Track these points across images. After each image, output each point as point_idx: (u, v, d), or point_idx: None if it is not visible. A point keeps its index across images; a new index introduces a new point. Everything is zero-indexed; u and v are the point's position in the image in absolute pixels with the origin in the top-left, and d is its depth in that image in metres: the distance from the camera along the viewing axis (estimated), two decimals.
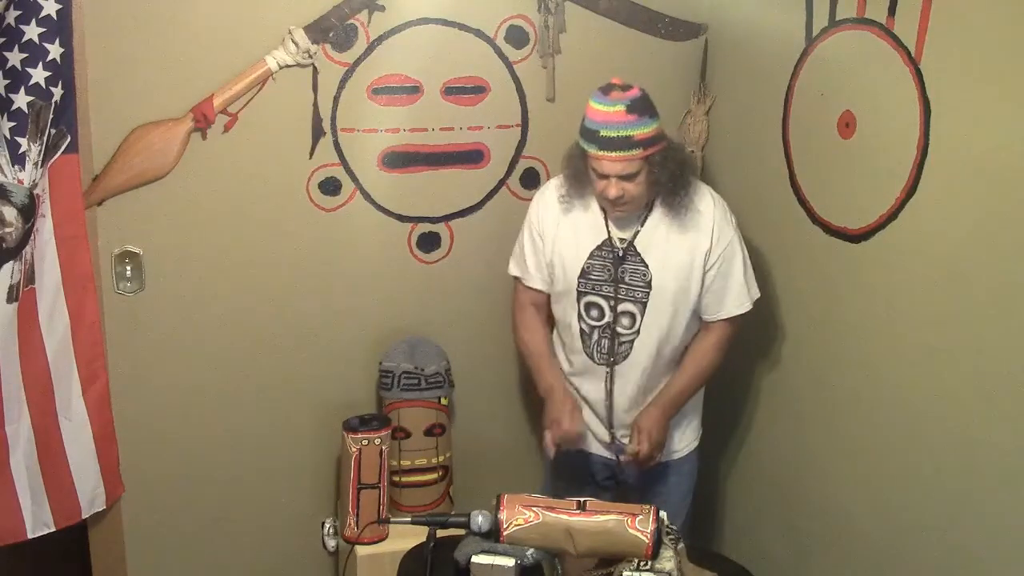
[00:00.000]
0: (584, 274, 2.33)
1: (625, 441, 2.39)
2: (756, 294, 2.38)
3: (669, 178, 2.24)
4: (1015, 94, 1.75)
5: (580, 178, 2.29)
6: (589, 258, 2.33)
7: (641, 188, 2.21)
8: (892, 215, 2.09)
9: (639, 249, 2.30)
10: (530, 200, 2.51)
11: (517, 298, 2.50)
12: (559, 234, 2.37)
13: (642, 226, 2.30)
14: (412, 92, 2.62)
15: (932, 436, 2.02)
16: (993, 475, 1.86)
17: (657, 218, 2.30)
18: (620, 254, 2.31)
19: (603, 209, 2.32)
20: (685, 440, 2.50)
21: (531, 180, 2.75)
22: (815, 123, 2.31)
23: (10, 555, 2.38)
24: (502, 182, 2.76)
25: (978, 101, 1.84)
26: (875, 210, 2.13)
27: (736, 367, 2.70)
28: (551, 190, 2.41)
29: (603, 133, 2.15)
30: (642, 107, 2.17)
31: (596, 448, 2.48)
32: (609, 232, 2.32)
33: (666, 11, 2.76)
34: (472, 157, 2.72)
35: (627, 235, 2.31)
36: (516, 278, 2.49)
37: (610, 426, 2.42)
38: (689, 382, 2.38)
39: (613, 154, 2.15)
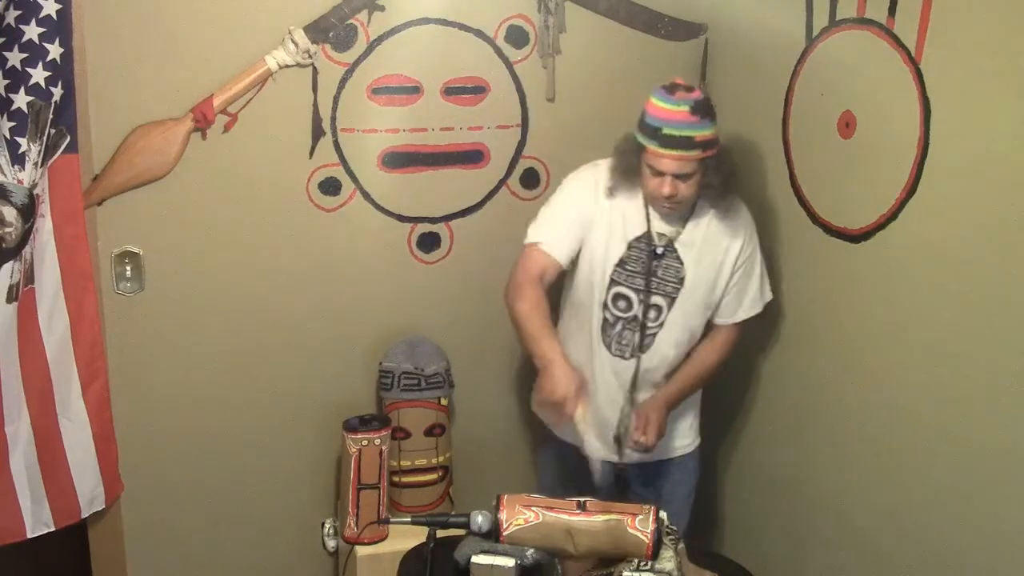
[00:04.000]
0: (622, 263, 2.33)
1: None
2: (769, 296, 2.44)
3: (721, 182, 2.27)
4: (1015, 94, 1.75)
5: (630, 172, 2.28)
6: (628, 248, 2.33)
7: (693, 189, 2.23)
8: (892, 215, 2.08)
9: (677, 247, 2.32)
10: (530, 200, 2.49)
11: (524, 266, 2.33)
12: (603, 219, 2.32)
13: (684, 226, 2.32)
14: (412, 92, 2.62)
15: (933, 436, 2.01)
16: (993, 474, 1.86)
17: (699, 219, 2.32)
18: (659, 250, 2.31)
19: (646, 203, 2.32)
20: (688, 438, 2.52)
21: (531, 180, 2.75)
22: (815, 123, 2.31)
23: (10, 555, 2.38)
24: (502, 182, 2.76)
25: (978, 101, 1.84)
26: (875, 210, 2.13)
27: (736, 367, 2.70)
28: (599, 172, 2.34)
29: (666, 131, 2.16)
30: (705, 109, 2.18)
31: (595, 451, 2.47)
32: (649, 226, 2.32)
33: (666, 11, 2.76)
34: (472, 157, 2.72)
35: (668, 232, 2.32)
36: (532, 244, 2.34)
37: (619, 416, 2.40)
38: (693, 379, 2.42)
39: (674, 152, 2.16)
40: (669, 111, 2.16)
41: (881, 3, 2.07)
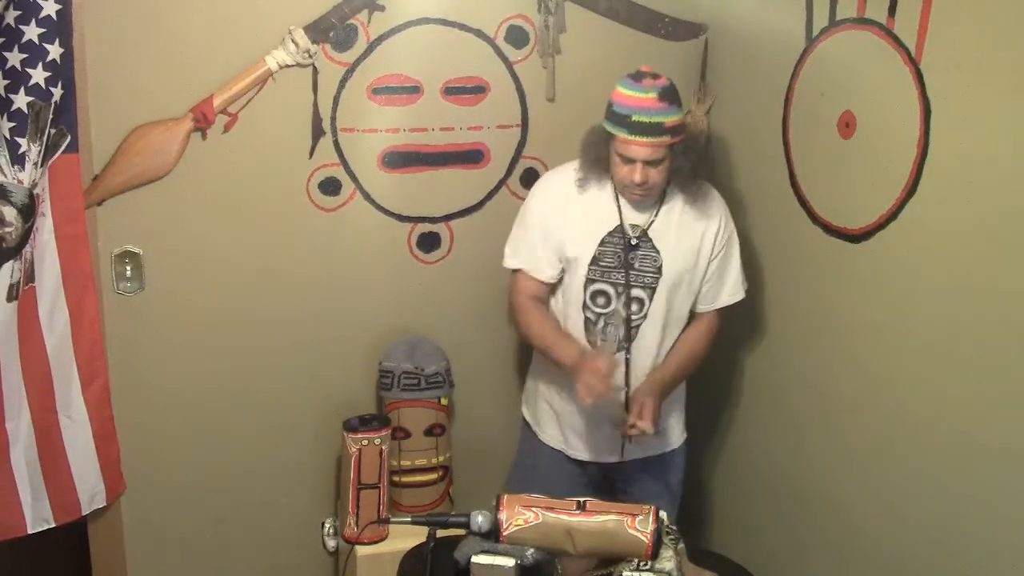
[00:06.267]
0: (595, 261, 2.33)
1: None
2: (746, 285, 2.46)
3: (689, 167, 2.29)
4: (1015, 94, 1.75)
5: (599, 163, 2.30)
6: (600, 244, 2.33)
7: (663, 175, 2.25)
8: (892, 215, 2.09)
9: (651, 236, 2.32)
10: None
11: (518, 292, 2.44)
12: (569, 221, 2.34)
13: (656, 214, 2.33)
14: (412, 92, 2.62)
15: (931, 435, 2.02)
16: (992, 474, 1.86)
17: (671, 205, 2.33)
18: (633, 241, 2.32)
19: (616, 196, 2.32)
20: (675, 433, 2.54)
21: (531, 180, 2.74)
22: (815, 123, 2.31)
23: (10, 551, 2.38)
24: (502, 182, 2.76)
25: (978, 101, 1.84)
26: (875, 210, 2.13)
27: (735, 367, 2.70)
28: (561, 176, 2.39)
29: (635, 118, 2.17)
30: (672, 95, 2.21)
31: (579, 451, 2.49)
32: (621, 219, 2.32)
33: (666, 11, 2.76)
34: (472, 157, 2.72)
35: (640, 222, 2.33)
36: (517, 271, 2.43)
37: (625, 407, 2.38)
38: (682, 366, 2.41)
39: (644, 139, 2.18)
40: (638, 98, 2.18)
41: (881, 3, 2.07)
